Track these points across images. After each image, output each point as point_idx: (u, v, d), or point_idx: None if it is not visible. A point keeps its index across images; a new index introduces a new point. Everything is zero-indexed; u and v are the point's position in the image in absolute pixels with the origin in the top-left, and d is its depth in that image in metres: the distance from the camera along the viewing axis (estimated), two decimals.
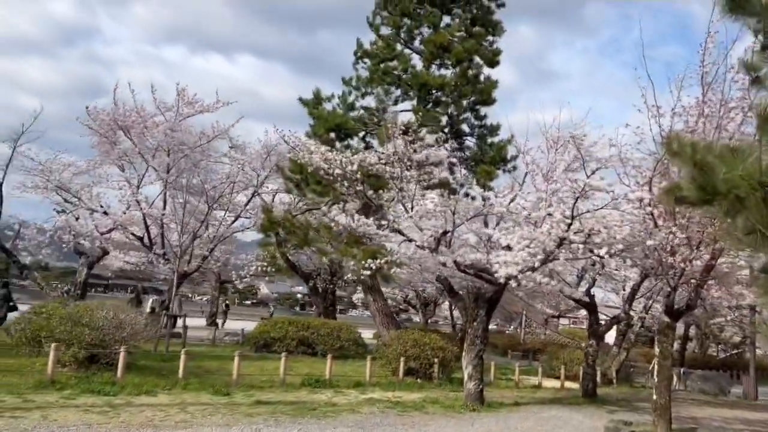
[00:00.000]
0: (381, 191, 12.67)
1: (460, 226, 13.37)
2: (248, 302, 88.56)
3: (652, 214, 8.82)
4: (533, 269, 10.86)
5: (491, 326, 56.83)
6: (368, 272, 11.76)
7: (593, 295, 15.82)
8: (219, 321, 31.65)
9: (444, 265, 12.36)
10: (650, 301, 20.21)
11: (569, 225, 9.33)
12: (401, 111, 19.54)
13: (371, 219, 12.88)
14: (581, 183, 8.09)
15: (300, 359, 17.78)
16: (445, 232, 13.32)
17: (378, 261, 11.90)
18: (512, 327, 47.28)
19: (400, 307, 51.09)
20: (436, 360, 15.57)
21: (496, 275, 11.49)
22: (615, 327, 22.99)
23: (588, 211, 9.00)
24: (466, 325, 12.96)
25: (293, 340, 19.37)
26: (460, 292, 14.57)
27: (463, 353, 12.70)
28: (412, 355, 15.49)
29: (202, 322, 32.01)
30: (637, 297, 16.46)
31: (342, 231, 15.38)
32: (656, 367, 10.16)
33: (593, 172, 8.12)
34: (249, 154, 20.55)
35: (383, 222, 12.53)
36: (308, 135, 18.20)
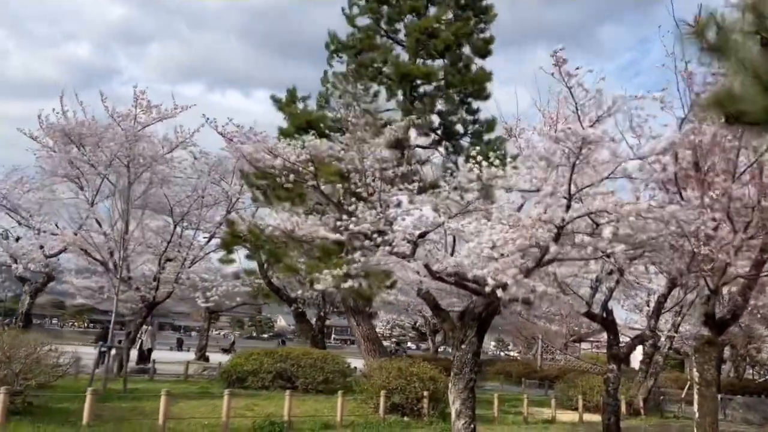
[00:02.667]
0: (341, 187, 10.39)
1: (440, 225, 11.05)
2: (265, 335, 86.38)
3: (676, 178, 6.46)
4: (528, 273, 8.43)
5: (512, 353, 53.63)
6: (322, 287, 9.41)
7: (611, 310, 13.24)
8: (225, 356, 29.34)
9: (419, 273, 10.00)
10: (679, 317, 17.54)
11: (567, 206, 6.94)
12: (386, 111, 17.38)
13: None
14: (577, 137, 5.73)
15: (273, 395, 15.38)
16: (423, 234, 10.98)
17: (337, 271, 9.55)
18: (531, 353, 44.25)
19: (409, 335, 48.27)
20: (425, 393, 13.07)
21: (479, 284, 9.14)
22: (640, 349, 20.27)
23: (591, 185, 6.62)
24: (453, 350, 10.51)
25: (269, 373, 16.96)
26: (454, 310, 12.19)
27: (450, 385, 10.19)
28: (396, 388, 13.01)
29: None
30: (663, 311, 13.85)
31: (313, 245, 13.17)
32: (696, 396, 7.66)
33: (592, 123, 5.78)
34: (214, 162, 18.42)
35: (346, 223, 10.18)
36: (279, 138, 16.08)
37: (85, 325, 71.50)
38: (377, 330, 46.17)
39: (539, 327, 32.40)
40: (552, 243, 7.49)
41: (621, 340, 15.87)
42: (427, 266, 8.98)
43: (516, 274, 8.36)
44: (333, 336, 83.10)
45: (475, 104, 16.85)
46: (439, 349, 37.76)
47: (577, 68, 5.55)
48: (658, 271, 13.32)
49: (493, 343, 74.09)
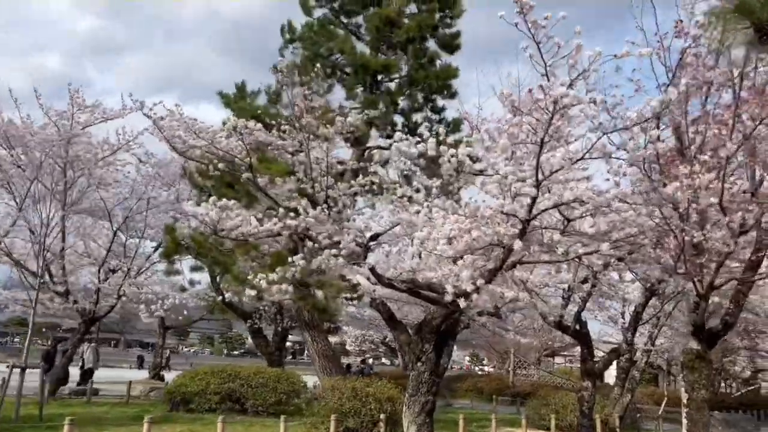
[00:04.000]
0: (283, 180, 9.19)
1: (395, 227, 9.93)
2: (236, 352, 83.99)
3: (658, 157, 5.35)
4: (491, 278, 7.28)
5: (486, 368, 52.29)
6: (254, 295, 8.14)
7: (585, 322, 12.17)
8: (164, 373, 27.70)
9: (369, 280, 8.77)
10: (656, 330, 16.58)
11: (534, 195, 5.79)
12: (349, 109, 16.17)
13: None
14: (548, 100, 4.54)
15: (214, 420, 13.96)
16: (375, 236, 9.81)
17: (272, 276, 8.27)
18: (505, 368, 43.06)
19: (380, 351, 46.77)
20: (382, 416, 11.77)
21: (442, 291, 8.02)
22: (615, 363, 19.28)
23: (561, 168, 5.47)
24: (408, 367, 9.32)
25: (216, 394, 15.53)
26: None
27: (404, 408, 8.95)
28: (350, 410, 11.71)
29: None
30: (640, 322, 12.87)
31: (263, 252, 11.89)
32: (684, 420, 6.56)
33: (566, 87, 4.61)
34: (161, 165, 17.05)
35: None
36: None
37: (49, 343, 68.58)
38: (347, 347, 44.63)
39: (512, 341, 31.35)
40: (516, 240, 6.33)
41: (596, 354, 14.85)
42: (373, 270, 7.76)
43: (476, 279, 7.22)
44: (306, 353, 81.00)
45: (441, 102, 15.75)
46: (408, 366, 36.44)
47: (546, 17, 4.42)
48: (634, 278, 12.35)
49: (467, 358, 72.88)
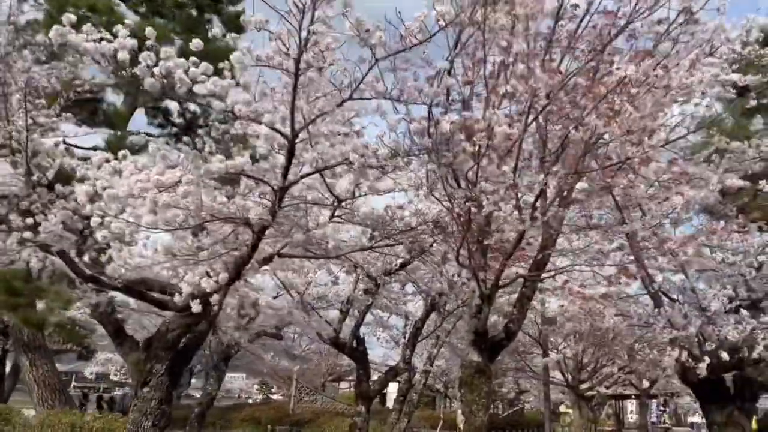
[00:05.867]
0: None
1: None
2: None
3: (447, 96, 4.08)
4: (237, 272, 5.56)
5: (275, 396, 49.78)
6: None
7: (363, 339, 10.97)
8: None
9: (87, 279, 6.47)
10: (436, 349, 16.13)
11: (290, 151, 4.23)
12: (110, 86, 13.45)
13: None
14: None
15: None
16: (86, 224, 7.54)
17: None
18: (288, 395, 40.98)
19: None
20: None
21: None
22: (397, 386, 18.63)
23: (324, 113, 3.97)
24: (134, 392, 7.17)
25: None
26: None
27: None
28: None
29: None
30: (420, 338, 12.11)
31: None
32: None
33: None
34: None
35: None
36: None
37: None
38: (112, 377, 38.83)
39: (296, 366, 29.77)
40: (267, 216, 4.70)
41: (375, 376, 13.83)
42: (65, 256, 5.55)
43: (216, 274, 5.46)
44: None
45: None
46: (182, 393, 32.70)
47: None
48: (416, 291, 11.59)
49: (256, 386, 69.29)
